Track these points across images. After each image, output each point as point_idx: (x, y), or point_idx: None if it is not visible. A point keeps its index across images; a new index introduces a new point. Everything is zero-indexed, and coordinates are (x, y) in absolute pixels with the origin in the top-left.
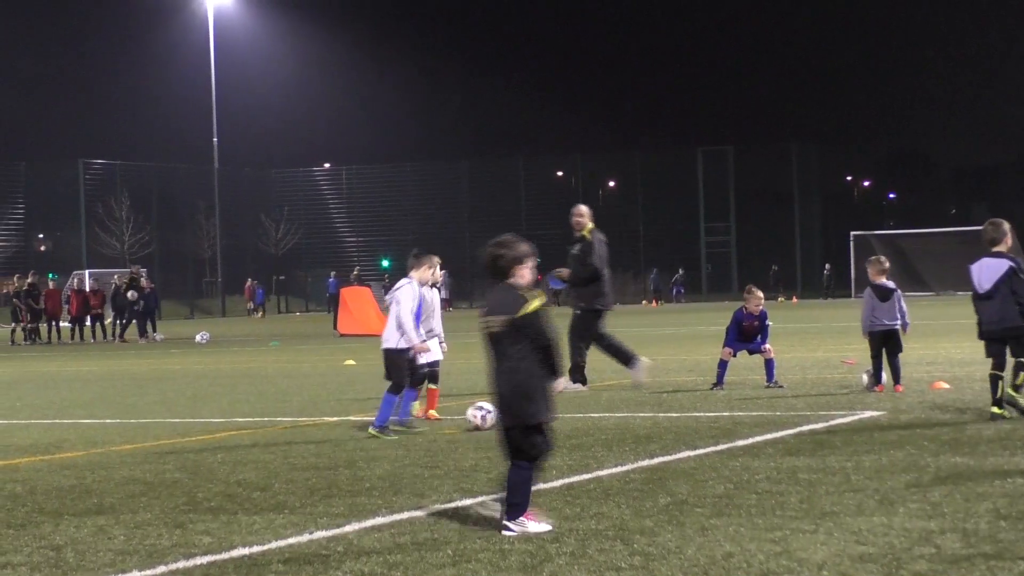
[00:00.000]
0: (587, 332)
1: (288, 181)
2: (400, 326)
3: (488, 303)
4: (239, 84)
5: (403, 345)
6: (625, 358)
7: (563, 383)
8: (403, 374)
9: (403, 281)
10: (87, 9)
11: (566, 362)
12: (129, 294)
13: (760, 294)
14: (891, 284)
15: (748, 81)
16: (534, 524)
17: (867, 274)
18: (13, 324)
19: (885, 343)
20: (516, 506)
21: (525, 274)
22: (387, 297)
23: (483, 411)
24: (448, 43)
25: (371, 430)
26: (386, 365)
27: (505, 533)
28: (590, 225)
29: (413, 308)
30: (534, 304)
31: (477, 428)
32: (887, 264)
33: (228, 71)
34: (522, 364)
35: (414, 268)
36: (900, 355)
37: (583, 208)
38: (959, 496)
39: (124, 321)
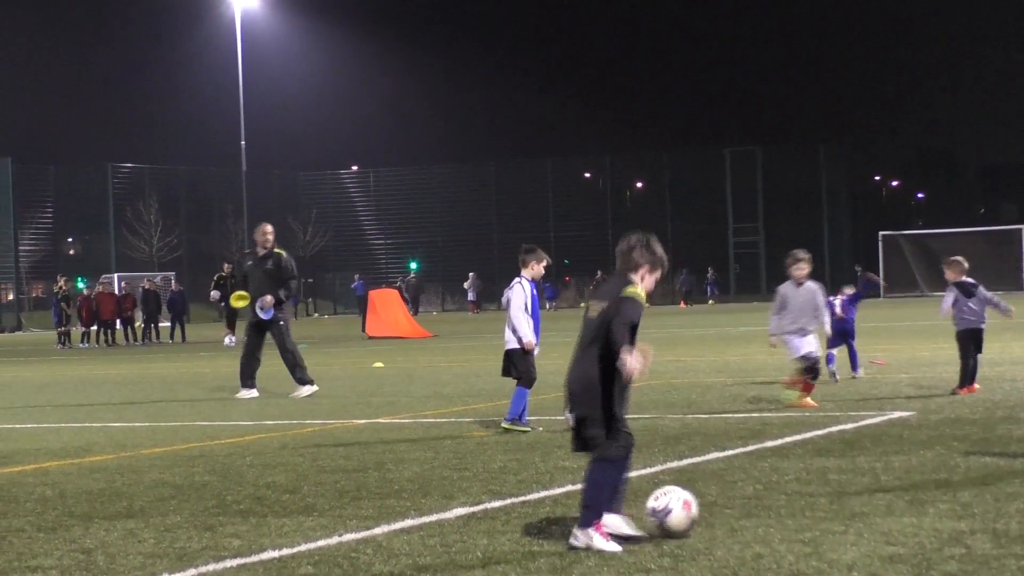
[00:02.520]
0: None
1: (316, 184)
2: (512, 325)
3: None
4: (267, 87)
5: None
6: (300, 373)
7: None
8: (531, 367)
9: (515, 280)
10: (114, 14)
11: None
12: (212, 295)
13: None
14: (973, 280)
15: (775, 82)
16: (600, 539)
17: (945, 274)
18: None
19: (973, 342)
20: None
21: (650, 283)
22: (503, 299)
23: None
24: (476, 45)
25: (504, 424)
26: (511, 363)
27: (571, 541)
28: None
29: (524, 305)
30: (633, 289)
31: None
32: (966, 264)
33: (255, 74)
34: (602, 354)
35: (525, 264)
36: (979, 356)
37: (269, 227)
38: (989, 496)
39: (226, 321)
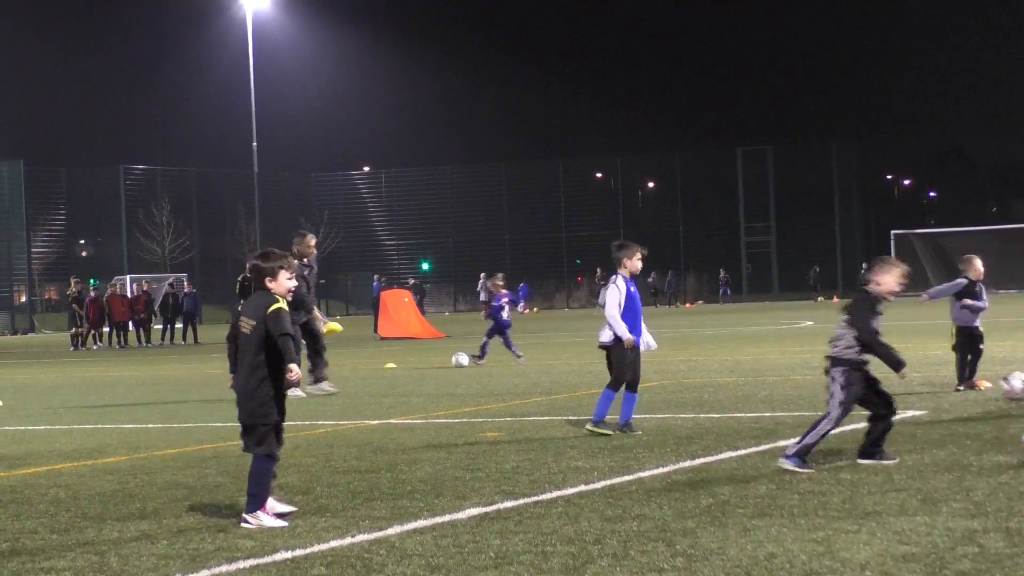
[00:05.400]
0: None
1: (328, 185)
2: (608, 324)
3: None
4: (278, 88)
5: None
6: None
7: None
8: (625, 370)
9: (611, 279)
10: (125, 16)
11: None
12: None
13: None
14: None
15: (787, 81)
16: (269, 519)
17: (969, 270)
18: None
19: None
20: (255, 497)
21: (275, 286)
22: (599, 299)
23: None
24: (487, 46)
25: (588, 426)
26: (608, 359)
27: (243, 526)
28: None
29: (620, 303)
30: (278, 304)
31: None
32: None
33: (267, 76)
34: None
35: (619, 263)
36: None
37: (314, 240)
38: (1002, 495)
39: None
